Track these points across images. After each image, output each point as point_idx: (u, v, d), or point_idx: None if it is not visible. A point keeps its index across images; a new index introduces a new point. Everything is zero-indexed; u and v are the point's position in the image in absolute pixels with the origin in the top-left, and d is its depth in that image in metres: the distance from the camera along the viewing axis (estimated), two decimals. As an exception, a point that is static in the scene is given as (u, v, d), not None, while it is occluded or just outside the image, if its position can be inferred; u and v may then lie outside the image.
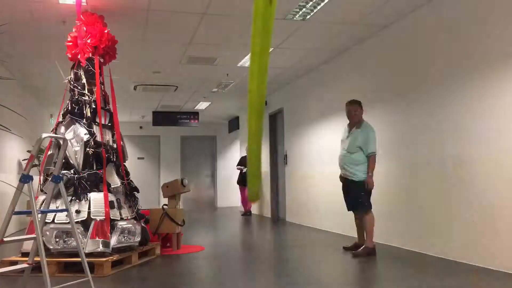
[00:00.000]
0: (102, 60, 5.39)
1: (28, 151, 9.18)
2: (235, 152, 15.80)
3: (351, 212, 7.31)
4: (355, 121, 5.49)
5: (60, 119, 5.19)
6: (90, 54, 5.22)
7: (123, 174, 5.28)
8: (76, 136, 4.97)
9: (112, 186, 5.05)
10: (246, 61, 7.80)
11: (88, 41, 5.18)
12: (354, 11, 5.66)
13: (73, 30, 5.28)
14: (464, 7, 4.81)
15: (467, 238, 4.69)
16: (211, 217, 12.06)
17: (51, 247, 4.57)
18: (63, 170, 4.82)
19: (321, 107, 8.32)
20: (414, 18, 5.63)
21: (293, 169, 9.61)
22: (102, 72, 5.40)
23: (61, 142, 4.18)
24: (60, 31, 5.82)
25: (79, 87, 5.16)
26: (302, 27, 6.18)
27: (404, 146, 5.80)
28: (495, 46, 4.41)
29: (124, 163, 5.39)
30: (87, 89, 5.18)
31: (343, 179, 5.61)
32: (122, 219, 4.96)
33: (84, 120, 5.06)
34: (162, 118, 12.72)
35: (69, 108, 5.13)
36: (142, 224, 5.34)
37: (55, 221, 4.64)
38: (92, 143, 4.96)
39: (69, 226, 4.52)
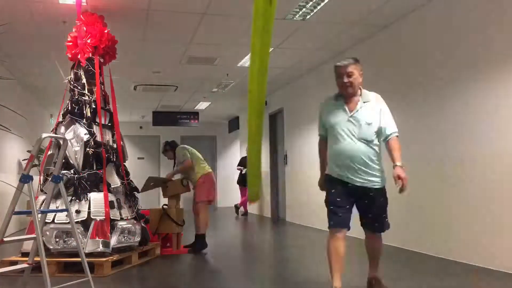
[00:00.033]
0: (102, 60, 5.39)
1: (28, 151, 9.18)
2: (235, 152, 15.80)
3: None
4: (355, 91, 3.61)
5: (60, 119, 5.19)
6: (90, 54, 5.22)
7: (123, 174, 5.28)
8: (76, 136, 4.97)
9: (112, 186, 5.05)
10: (246, 61, 7.79)
11: (88, 41, 5.18)
12: (354, 11, 5.66)
13: (73, 30, 5.28)
14: (464, 7, 4.81)
15: (467, 238, 4.69)
16: (211, 217, 12.05)
17: (51, 247, 4.57)
18: (63, 170, 4.82)
19: (321, 107, 8.31)
20: (414, 18, 5.63)
21: (293, 169, 9.61)
22: (102, 72, 5.41)
23: (61, 142, 4.18)
24: (60, 31, 5.82)
25: (79, 87, 5.16)
26: (302, 27, 6.18)
27: (404, 146, 5.78)
28: (495, 46, 4.41)
29: (124, 163, 5.39)
30: (87, 89, 5.17)
31: (352, 187, 3.52)
32: (122, 219, 4.96)
33: (84, 120, 5.06)
34: (162, 118, 12.71)
35: (69, 108, 5.13)
36: (142, 224, 5.34)
37: (55, 221, 4.64)
38: (92, 143, 4.96)
39: (69, 226, 4.52)
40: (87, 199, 4.75)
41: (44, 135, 3.39)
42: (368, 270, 3.73)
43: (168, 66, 8.19)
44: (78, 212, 4.66)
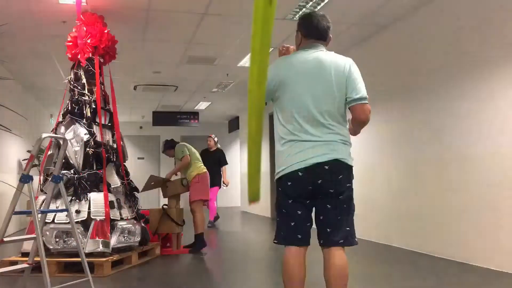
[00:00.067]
0: (102, 60, 5.39)
1: (28, 151, 9.18)
2: (235, 152, 15.80)
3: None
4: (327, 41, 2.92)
5: (60, 119, 5.19)
6: (90, 54, 5.22)
7: (123, 174, 5.28)
8: (76, 136, 4.97)
9: (112, 186, 5.04)
10: (246, 61, 7.79)
11: (88, 41, 5.18)
12: (354, 11, 5.66)
13: (73, 30, 5.28)
14: (464, 7, 4.81)
15: (467, 238, 4.69)
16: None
17: (51, 247, 4.57)
18: (63, 170, 4.82)
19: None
20: (414, 18, 5.63)
21: (293, 169, 9.58)
22: (102, 72, 5.41)
23: (61, 142, 4.18)
24: (60, 31, 5.82)
25: (79, 87, 5.16)
26: (302, 27, 6.18)
27: (404, 146, 5.80)
28: (495, 46, 4.41)
29: (124, 163, 5.39)
30: (87, 89, 5.17)
31: (312, 171, 2.47)
32: (122, 219, 4.96)
33: (84, 120, 5.06)
34: (162, 118, 12.72)
35: (69, 108, 5.13)
36: (142, 224, 5.34)
37: (55, 221, 4.64)
38: (92, 143, 4.96)
39: (69, 226, 4.52)
40: (87, 199, 4.75)
41: (44, 135, 3.39)
42: None
43: (168, 66, 8.19)
44: (78, 212, 4.66)
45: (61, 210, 4.16)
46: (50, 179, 4.81)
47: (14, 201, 3.22)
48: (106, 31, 5.30)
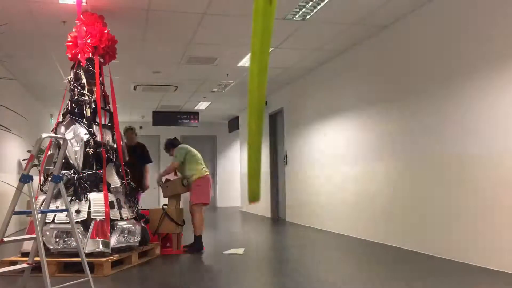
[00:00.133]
0: (102, 60, 5.39)
1: (28, 151, 9.19)
2: (235, 152, 15.80)
3: (351, 212, 7.32)
4: None
5: (60, 119, 5.19)
6: (90, 54, 5.22)
7: (123, 174, 5.28)
8: (76, 136, 4.97)
9: (112, 186, 5.05)
10: (246, 61, 7.80)
11: (88, 41, 5.18)
12: (354, 11, 5.66)
13: (73, 30, 5.28)
14: (464, 7, 4.82)
15: (467, 238, 4.69)
16: (211, 217, 12.05)
17: (51, 247, 4.57)
18: (63, 170, 4.82)
19: (321, 107, 8.32)
20: (414, 18, 5.63)
21: (293, 169, 9.61)
22: (102, 72, 5.41)
23: (61, 142, 4.18)
24: (60, 31, 5.82)
25: (79, 87, 5.16)
26: (302, 27, 6.18)
27: (404, 146, 5.80)
28: (495, 46, 4.41)
29: (124, 163, 5.39)
30: (87, 89, 5.18)
31: None
32: (122, 219, 4.96)
33: (84, 120, 5.06)
34: (162, 118, 12.72)
35: (69, 108, 5.14)
36: (142, 224, 5.34)
37: (55, 221, 4.64)
38: (92, 143, 4.96)
39: (69, 226, 4.52)
40: (87, 199, 4.75)
41: (44, 135, 3.39)
42: None
43: (168, 66, 8.19)
44: (78, 212, 4.66)
45: (61, 210, 4.17)
46: (50, 179, 4.82)
47: (14, 201, 3.22)
48: (106, 31, 5.30)
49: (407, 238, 5.67)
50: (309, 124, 8.79)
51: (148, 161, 7.54)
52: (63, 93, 5.51)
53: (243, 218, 11.14)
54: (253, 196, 1.39)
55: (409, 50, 5.74)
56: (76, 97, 5.14)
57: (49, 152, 5.05)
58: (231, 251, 5.82)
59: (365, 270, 4.65)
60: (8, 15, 5.46)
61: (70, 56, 5.30)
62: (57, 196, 4.67)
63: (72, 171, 4.87)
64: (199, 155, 6.37)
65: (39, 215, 3.44)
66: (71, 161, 4.91)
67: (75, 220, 4.58)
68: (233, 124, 14.69)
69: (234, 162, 15.79)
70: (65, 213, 4.63)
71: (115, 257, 4.63)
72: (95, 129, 5.08)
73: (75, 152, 4.93)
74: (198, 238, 6.00)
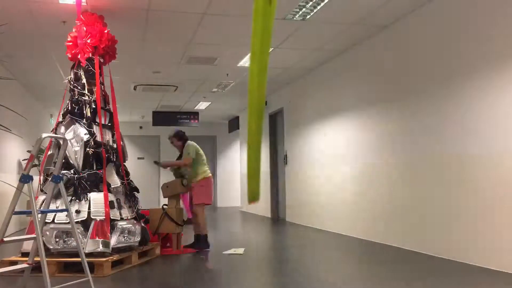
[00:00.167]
0: (102, 60, 5.39)
1: (28, 151, 9.18)
2: (235, 152, 15.80)
3: (351, 212, 7.33)
4: None
5: (60, 119, 5.19)
6: (90, 54, 5.22)
7: (123, 174, 5.28)
8: (76, 136, 4.97)
9: (112, 186, 5.04)
10: (246, 61, 7.80)
11: (88, 41, 5.18)
12: (354, 11, 5.66)
13: (73, 30, 5.28)
14: (464, 7, 4.82)
15: (467, 238, 4.69)
16: (211, 217, 12.05)
17: (51, 247, 4.57)
18: (63, 170, 4.82)
19: (321, 107, 8.33)
20: (414, 18, 5.63)
21: (293, 169, 9.61)
22: (102, 72, 5.41)
23: (61, 142, 4.18)
24: (60, 31, 5.82)
25: (79, 87, 5.16)
26: (302, 27, 6.18)
27: (404, 146, 5.80)
28: (495, 46, 4.41)
29: (124, 163, 5.39)
30: (87, 89, 5.18)
31: None
32: (122, 219, 4.96)
33: (84, 120, 5.06)
34: (162, 118, 12.72)
35: (69, 108, 5.13)
36: (142, 224, 5.34)
37: (55, 221, 4.64)
38: (92, 143, 4.96)
39: (69, 226, 4.52)
40: (87, 199, 4.75)
41: (44, 135, 3.39)
42: None
43: (168, 66, 8.19)
44: (78, 212, 4.66)
45: (61, 210, 4.17)
46: (50, 179, 4.82)
47: (14, 201, 3.22)
48: (106, 31, 5.30)
49: (407, 238, 5.67)
50: (309, 124, 8.79)
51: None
52: (63, 93, 5.51)
53: (243, 218, 11.13)
54: (253, 196, 1.39)
55: (409, 50, 5.74)
56: (76, 97, 5.14)
57: (49, 152, 5.05)
58: (231, 251, 5.83)
59: (365, 270, 4.66)
60: (8, 15, 5.46)
61: (70, 56, 5.30)
62: (57, 196, 4.67)
63: (72, 171, 4.87)
64: (204, 155, 6.48)
65: (39, 215, 3.44)
66: (71, 161, 4.90)
67: (75, 220, 4.58)
68: (233, 124, 14.69)
69: (234, 162, 15.79)
70: (65, 213, 4.63)
71: (115, 257, 4.63)
72: (95, 129, 5.08)
73: (75, 152, 4.93)
74: (204, 237, 6.09)
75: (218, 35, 6.52)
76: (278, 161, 10.77)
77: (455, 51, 4.93)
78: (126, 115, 13.51)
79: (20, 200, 3.28)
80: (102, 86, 5.37)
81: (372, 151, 6.51)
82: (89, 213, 4.68)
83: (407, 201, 5.71)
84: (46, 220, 4.60)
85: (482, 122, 4.53)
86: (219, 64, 8.00)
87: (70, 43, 5.26)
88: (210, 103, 12.02)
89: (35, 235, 3.17)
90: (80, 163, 4.90)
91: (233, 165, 15.76)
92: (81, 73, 5.20)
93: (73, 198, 4.72)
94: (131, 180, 5.42)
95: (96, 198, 4.78)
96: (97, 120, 5.12)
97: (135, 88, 9.90)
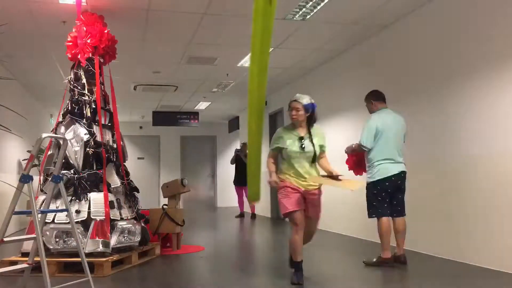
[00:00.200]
0: (102, 60, 5.39)
1: (28, 151, 9.18)
2: (235, 152, 15.79)
3: (351, 213, 7.30)
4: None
5: (60, 119, 5.19)
6: (90, 54, 5.22)
7: (123, 174, 5.28)
8: (76, 136, 4.97)
9: (112, 186, 5.04)
10: (246, 61, 7.80)
11: (88, 41, 5.18)
12: (354, 11, 5.66)
13: (73, 30, 5.28)
14: (464, 7, 4.81)
15: (467, 238, 4.69)
16: (211, 217, 12.06)
17: (51, 247, 4.57)
18: (63, 170, 4.82)
19: (321, 107, 8.29)
20: (414, 18, 5.63)
21: (293, 169, 9.59)
22: (102, 72, 5.41)
23: (61, 142, 4.17)
24: (60, 31, 5.82)
25: (79, 87, 5.16)
26: (302, 27, 6.18)
27: (404, 146, 5.80)
28: (495, 47, 4.41)
29: (124, 163, 5.39)
30: (87, 89, 5.18)
31: (395, 176, 4.71)
32: (122, 219, 4.96)
33: (84, 120, 5.06)
34: (162, 118, 12.72)
35: (69, 108, 5.13)
36: (142, 224, 5.34)
37: (55, 221, 4.64)
38: (92, 143, 4.96)
39: (69, 226, 4.52)
40: (87, 199, 4.75)
41: (44, 135, 3.39)
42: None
43: (168, 66, 8.19)
44: (78, 212, 4.66)
45: (61, 210, 4.17)
46: (50, 179, 4.82)
47: (14, 201, 3.22)
48: (106, 31, 5.30)
49: (406, 238, 5.66)
50: (309, 124, 8.78)
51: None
52: (63, 93, 5.51)
53: (243, 218, 11.13)
54: (253, 196, 1.39)
55: (409, 50, 5.74)
56: (76, 97, 5.14)
57: (49, 152, 5.05)
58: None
59: (365, 270, 4.65)
60: (8, 15, 5.46)
61: (70, 56, 5.30)
62: (57, 196, 4.68)
63: (72, 171, 4.87)
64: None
65: (39, 215, 3.44)
66: (71, 161, 4.90)
67: (75, 220, 4.58)
68: (233, 124, 14.69)
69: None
70: (65, 213, 4.63)
71: (115, 257, 4.63)
72: (95, 129, 5.08)
73: (75, 152, 4.93)
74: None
75: (218, 35, 6.52)
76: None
77: (455, 51, 4.92)
78: (126, 115, 13.51)
79: (20, 200, 3.28)
80: (102, 86, 5.36)
81: (372, 151, 6.50)
82: (89, 213, 4.68)
83: (407, 201, 5.70)
84: (46, 220, 4.60)
85: (482, 122, 4.53)
86: (219, 64, 8.00)
87: (70, 43, 5.26)
88: (210, 103, 12.02)
89: (35, 235, 3.17)
90: (80, 163, 4.90)
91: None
92: (81, 73, 5.20)
93: (73, 198, 4.72)
94: (131, 180, 5.42)
95: (96, 198, 4.78)
96: (97, 120, 5.12)
97: (135, 88, 9.90)
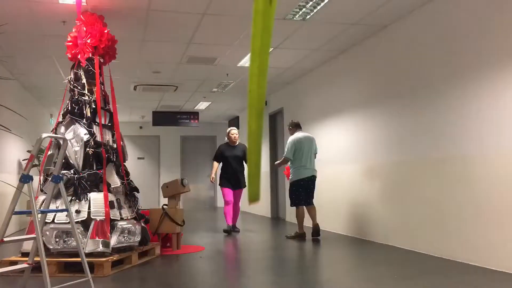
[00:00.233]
0: (102, 60, 5.39)
1: (28, 151, 9.19)
2: (235, 152, 15.78)
3: (351, 212, 7.35)
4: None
5: (60, 119, 5.19)
6: (90, 54, 5.22)
7: (123, 174, 5.28)
8: (76, 136, 4.97)
9: (112, 186, 5.05)
10: (246, 61, 7.80)
11: (88, 41, 5.19)
12: (354, 11, 5.66)
13: (73, 30, 5.29)
14: (464, 7, 4.82)
15: (467, 238, 4.69)
16: (211, 217, 12.06)
17: (51, 247, 4.57)
18: (63, 170, 4.82)
19: (321, 107, 8.32)
20: (414, 18, 5.64)
21: (293, 169, 9.61)
22: (102, 72, 5.41)
23: (61, 142, 4.18)
24: (60, 31, 5.82)
25: (79, 87, 5.17)
26: (302, 27, 6.19)
27: (404, 146, 5.81)
28: (495, 47, 4.41)
29: (124, 163, 5.39)
30: (87, 89, 5.18)
31: (307, 178, 6.89)
32: (122, 219, 4.96)
33: (84, 120, 5.06)
34: (162, 118, 12.72)
35: (69, 108, 5.14)
36: (142, 224, 5.34)
37: (55, 221, 4.64)
38: (92, 143, 4.96)
39: (69, 226, 4.53)
40: (87, 199, 4.75)
41: (44, 135, 3.39)
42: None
43: (168, 66, 8.20)
44: (78, 212, 4.66)
45: (61, 210, 4.17)
46: (50, 179, 4.83)
47: (14, 201, 3.22)
48: (106, 31, 5.30)
49: (407, 237, 5.67)
50: (309, 124, 8.79)
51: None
52: (63, 93, 5.52)
53: (243, 218, 11.13)
54: (253, 197, 1.39)
55: (408, 50, 5.74)
56: (76, 97, 5.14)
57: (49, 152, 5.05)
58: None
59: (365, 270, 4.66)
60: (8, 15, 5.46)
61: (70, 56, 5.30)
62: (57, 196, 4.68)
63: (72, 171, 4.87)
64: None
65: (39, 215, 3.45)
66: (71, 161, 4.91)
67: (75, 220, 4.58)
68: (233, 124, 14.67)
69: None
70: (65, 213, 4.64)
71: (115, 257, 4.64)
72: (95, 129, 5.08)
73: (75, 152, 4.93)
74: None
75: (218, 35, 6.52)
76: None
77: (455, 51, 4.93)
78: (126, 115, 13.51)
79: (20, 200, 3.28)
80: (102, 86, 5.37)
81: (372, 151, 6.51)
82: (89, 213, 4.68)
83: (407, 201, 5.71)
84: (46, 220, 4.61)
85: (482, 121, 4.53)
86: (219, 64, 8.00)
87: (70, 43, 5.26)
88: (210, 103, 12.02)
89: (35, 235, 3.17)
90: (80, 163, 4.90)
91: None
92: (81, 73, 5.20)
93: (73, 198, 4.73)
94: (131, 180, 5.42)
95: (96, 198, 4.78)
96: (97, 120, 5.12)
97: (135, 88, 9.90)
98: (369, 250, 5.80)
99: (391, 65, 6.12)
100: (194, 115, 12.94)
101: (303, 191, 6.82)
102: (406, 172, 5.75)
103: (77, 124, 5.03)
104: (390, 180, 6.06)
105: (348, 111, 7.26)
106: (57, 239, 4.58)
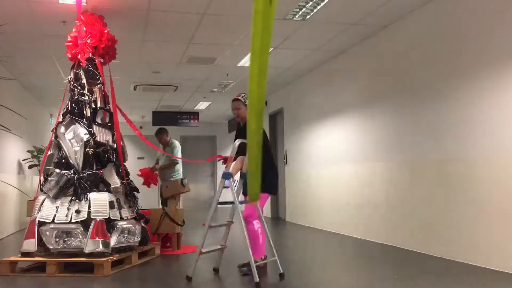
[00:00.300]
0: (102, 60, 5.39)
1: (28, 151, 9.18)
2: (235, 152, 15.80)
3: (351, 212, 7.33)
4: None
5: (60, 119, 5.19)
6: (90, 54, 5.22)
7: (123, 174, 5.28)
8: (76, 136, 4.98)
9: (112, 186, 5.04)
10: (246, 61, 7.80)
11: (88, 41, 5.19)
12: (354, 11, 5.66)
13: (73, 30, 5.28)
14: (464, 7, 4.82)
15: (467, 238, 4.69)
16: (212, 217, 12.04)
17: (51, 247, 4.57)
18: (63, 170, 4.83)
19: (321, 107, 8.32)
20: (414, 18, 5.63)
21: (293, 169, 9.61)
22: (102, 72, 5.41)
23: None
24: (60, 31, 5.82)
25: (79, 87, 5.17)
26: (302, 27, 6.18)
27: (404, 146, 5.81)
28: (495, 46, 4.41)
29: (124, 163, 5.39)
30: (87, 89, 5.18)
31: None
32: (122, 219, 4.96)
33: (84, 120, 5.06)
34: (162, 118, 12.70)
35: (69, 108, 5.14)
36: (142, 224, 5.34)
37: (55, 221, 4.64)
38: (92, 143, 4.96)
39: (69, 226, 4.54)
40: (87, 199, 4.75)
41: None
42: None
43: (168, 66, 8.19)
44: (78, 212, 4.66)
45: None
46: (50, 179, 4.83)
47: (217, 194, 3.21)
48: (106, 31, 5.30)
49: (407, 238, 5.67)
50: (309, 124, 8.79)
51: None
52: (63, 93, 5.51)
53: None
54: (253, 196, 1.39)
55: (409, 50, 5.74)
56: (76, 97, 5.14)
57: (49, 152, 5.06)
58: None
59: (365, 270, 4.66)
60: (8, 15, 5.46)
61: (70, 56, 5.30)
62: (57, 196, 4.69)
63: (72, 171, 4.87)
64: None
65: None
66: (71, 161, 4.91)
67: (75, 220, 4.59)
68: (233, 124, 14.69)
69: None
70: (65, 212, 4.65)
71: (115, 257, 4.63)
72: (95, 129, 5.08)
73: (75, 152, 4.93)
74: None
75: (218, 35, 6.52)
76: (278, 161, 10.76)
77: (455, 52, 4.93)
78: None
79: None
80: (102, 86, 5.37)
81: (373, 151, 6.51)
82: (89, 213, 4.68)
83: (407, 201, 5.71)
84: (46, 220, 4.62)
85: (482, 122, 4.53)
86: (219, 64, 8.00)
87: (70, 43, 5.26)
88: (210, 103, 12.02)
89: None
90: (80, 163, 4.90)
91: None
92: (81, 73, 5.20)
93: (73, 198, 4.73)
94: (131, 180, 5.42)
95: (96, 198, 4.78)
96: (97, 120, 5.12)
97: (135, 88, 9.90)
98: (369, 250, 5.80)
99: (391, 65, 6.12)
100: (194, 115, 12.93)
101: None
102: (407, 173, 5.75)
103: (77, 124, 5.03)
104: (390, 180, 6.06)
105: (348, 111, 7.26)
106: (57, 239, 4.58)
